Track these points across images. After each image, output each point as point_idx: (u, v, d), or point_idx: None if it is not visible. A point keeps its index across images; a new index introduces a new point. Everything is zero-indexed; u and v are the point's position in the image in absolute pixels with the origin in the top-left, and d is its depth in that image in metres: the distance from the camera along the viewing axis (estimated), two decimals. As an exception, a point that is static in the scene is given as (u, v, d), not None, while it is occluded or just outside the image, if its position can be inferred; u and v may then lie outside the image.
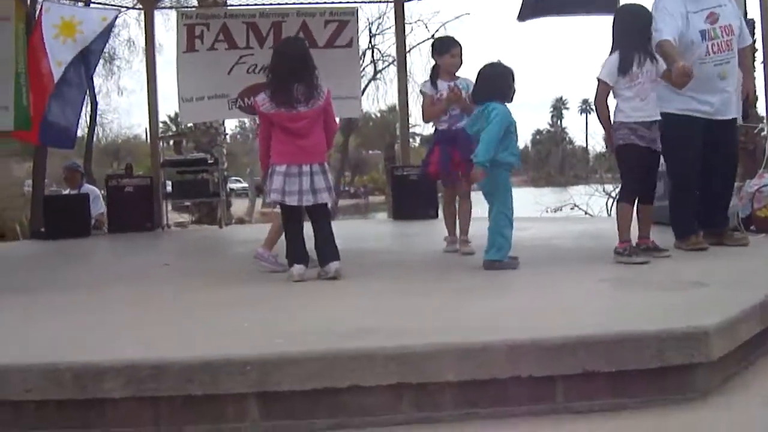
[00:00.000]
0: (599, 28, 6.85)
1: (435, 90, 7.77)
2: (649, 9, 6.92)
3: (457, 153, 7.49)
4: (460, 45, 8.00)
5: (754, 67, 8.68)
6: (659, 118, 6.70)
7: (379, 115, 58.62)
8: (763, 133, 8.40)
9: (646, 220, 6.91)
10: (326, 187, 6.28)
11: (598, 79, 6.67)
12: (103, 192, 14.67)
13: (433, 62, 8.05)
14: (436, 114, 7.66)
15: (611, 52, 6.70)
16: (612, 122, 6.71)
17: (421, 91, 8.18)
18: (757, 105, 8.41)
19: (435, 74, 7.90)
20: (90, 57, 12.41)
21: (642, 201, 6.87)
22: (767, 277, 5.47)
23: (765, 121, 8.24)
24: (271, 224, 7.21)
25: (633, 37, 6.66)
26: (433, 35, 32.08)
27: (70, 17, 12.50)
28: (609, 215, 14.78)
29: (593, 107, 6.86)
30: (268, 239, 7.05)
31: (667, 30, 6.96)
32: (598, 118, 6.79)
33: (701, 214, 7.48)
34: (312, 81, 6.25)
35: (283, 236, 6.71)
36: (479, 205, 7.52)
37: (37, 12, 13.09)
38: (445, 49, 7.89)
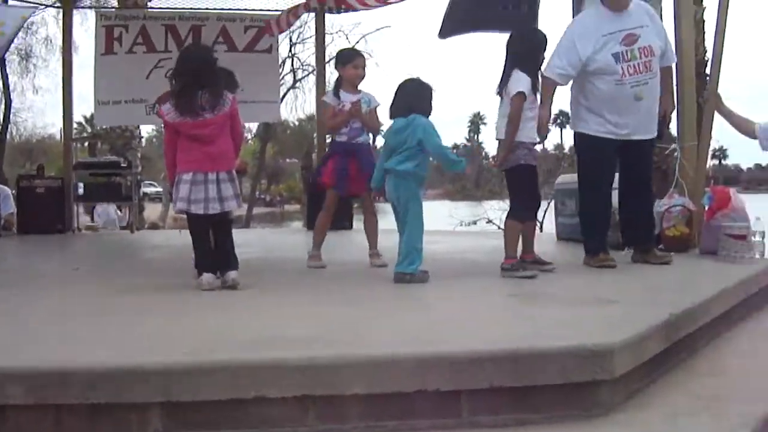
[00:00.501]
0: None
1: (338, 101, 7.73)
2: (546, 36, 7.12)
3: (355, 166, 7.52)
4: (363, 57, 8.04)
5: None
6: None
7: (297, 123, 58.52)
8: (675, 154, 8.53)
9: (531, 234, 7.08)
10: (234, 194, 6.20)
11: (519, 92, 6.73)
12: (13, 192, 14.45)
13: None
14: (338, 125, 7.63)
15: (510, 72, 6.81)
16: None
17: (323, 101, 8.16)
18: (670, 125, 8.52)
19: (338, 85, 7.87)
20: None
21: (528, 218, 7.09)
22: (673, 295, 5.57)
23: (676, 141, 8.36)
24: None
25: (534, 61, 6.90)
26: (353, 47, 32.16)
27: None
28: (541, 231, 14.93)
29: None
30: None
31: (558, 64, 7.18)
32: (510, 132, 6.77)
33: (625, 232, 7.67)
34: (217, 88, 6.17)
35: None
36: (384, 219, 7.57)
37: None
38: (348, 60, 7.87)
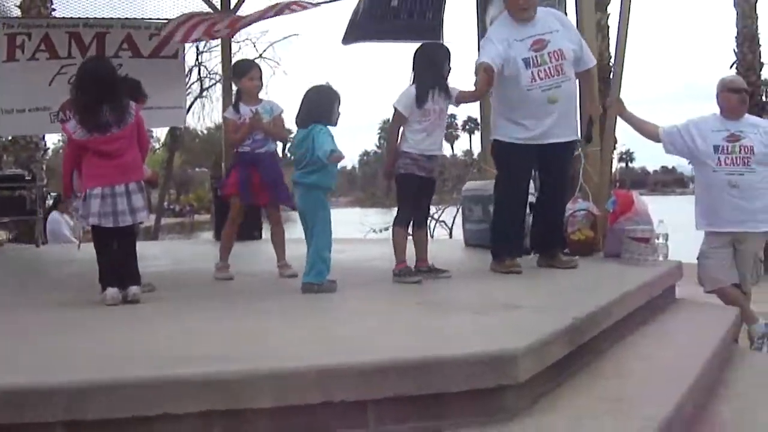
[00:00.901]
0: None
1: (238, 114, 7.68)
2: (446, 47, 7.24)
3: (258, 176, 7.48)
4: (258, 68, 8.00)
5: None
6: (441, 153, 7.15)
7: (205, 132, 58.04)
8: (580, 159, 8.63)
9: (422, 243, 7.17)
10: (143, 205, 6.14)
11: (395, 108, 6.87)
12: None
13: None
14: (239, 140, 7.57)
15: (410, 84, 6.92)
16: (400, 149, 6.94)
17: (223, 116, 8.12)
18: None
19: (238, 98, 7.84)
20: None
21: (417, 226, 7.24)
22: (576, 300, 5.64)
23: (579, 145, 8.47)
24: None
25: (430, 73, 6.91)
26: (260, 54, 31.98)
27: None
28: (432, 237, 14.95)
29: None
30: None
31: (485, 55, 7.19)
32: (387, 144, 7.05)
33: (536, 236, 7.76)
34: (120, 101, 6.11)
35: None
36: (294, 228, 7.55)
37: None
38: (244, 72, 7.83)
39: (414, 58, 7.03)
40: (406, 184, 6.93)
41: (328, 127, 6.43)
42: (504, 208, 7.65)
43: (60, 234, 15.54)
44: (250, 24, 11.37)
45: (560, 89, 7.33)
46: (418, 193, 7.02)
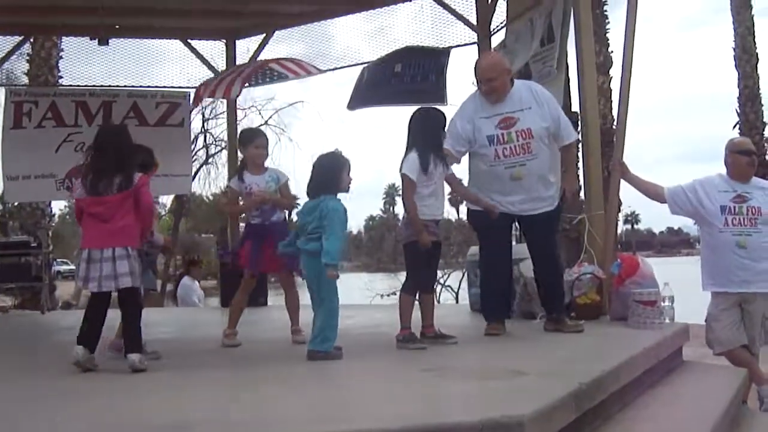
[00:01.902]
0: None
1: (242, 184, 7.72)
2: (443, 111, 7.22)
3: (270, 247, 7.43)
4: (264, 136, 8.08)
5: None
6: (443, 216, 7.17)
7: (211, 198, 58.20)
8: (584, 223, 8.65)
9: (429, 308, 7.16)
10: (128, 271, 6.08)
11: (405, 175, 6.87)
12: None
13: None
14: (240, 212, 7.60)
15: (407, 151, 6.92)
16: (403, 217, 7.05)
17: (227, 186, 8.14)
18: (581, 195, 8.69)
19: (242, 167, 7.88)
20: None
21: (424, 290, 7.25)
22: (583, 364, 5.61)
23: (583, 209, 8.50)
24: None
25: (429, 138, 6.95)
26: (266, 121, 32.25)
27: None
28: (438, 302, 14.93)
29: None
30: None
31: (447, 143, 7.32)
32: (407, 213, 6.93)
33: (541, 302, 7.81)
34: (127, 169, 6.20)
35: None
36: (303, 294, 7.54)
37: None
38: (249, 140, 7.89)
39: (411, 122, 7.06)
40: (417, 252, 6.90)
41: (338, 198, 6.45)
42: (484, 274, 7.91)
43: (189, 300, 15.49)
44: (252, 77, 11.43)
45: (525, 167, 7.41)
46: (428, 259, 7.02)
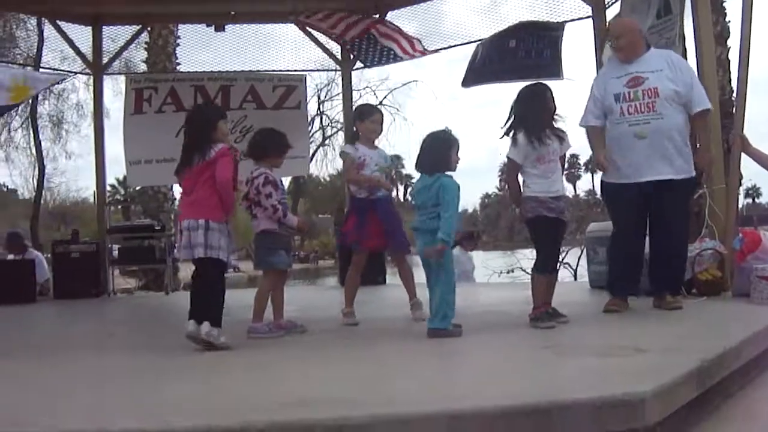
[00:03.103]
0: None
1: (357, 151, 7.82)
2: (549, 87, 7.16)
3: (375, 221, 7.60)
4: (380, 112, 8.19)
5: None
6: (563, 192, 7.02)
7: (328, 179, 58.81)
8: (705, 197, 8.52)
9: (550, 286, 7.05)
10: (201, 243, 6.21)
11: (508, 158, 6.94)
12: (47, 255, 14.60)
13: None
14: (358, 180, 7.68)
15: (516, 130, 6.91)
16: (522, 196, 6.95)
17: (342, 152, 8.22)
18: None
19: (354, 139, 8.03)
20: None
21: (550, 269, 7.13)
22: (703, 342, 5.53)
23: (704, 184, 8.37)
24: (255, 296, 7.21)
25: (537, 116, 6.90)
26: (380, 102, 32.41)
27: (22, 79, 12.61)
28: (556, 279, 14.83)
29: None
30: (255, 311, 7.06)
31: (590, 114, 7.57)
32: (510, 193, 7.05)
33: (650, 277, 7.69)
34: (202, 144, 6.39)
35: (270, 303, 7.04)
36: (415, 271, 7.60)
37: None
38: (366, 115, 8.01)
39: (518, 100, 7.03)
40: (538, 227, 6.89)
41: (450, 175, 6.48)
42: (612, 247, 7.87)
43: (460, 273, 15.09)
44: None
45: (649, 125, 7.34)
46: (554, 233, 6.97)
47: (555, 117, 6.99)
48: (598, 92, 7.61)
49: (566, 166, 7.21)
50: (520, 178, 6.96)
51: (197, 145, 6.39)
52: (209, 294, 6.34)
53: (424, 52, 12.99)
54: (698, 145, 7.80)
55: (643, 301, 7.61)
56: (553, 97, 7.04)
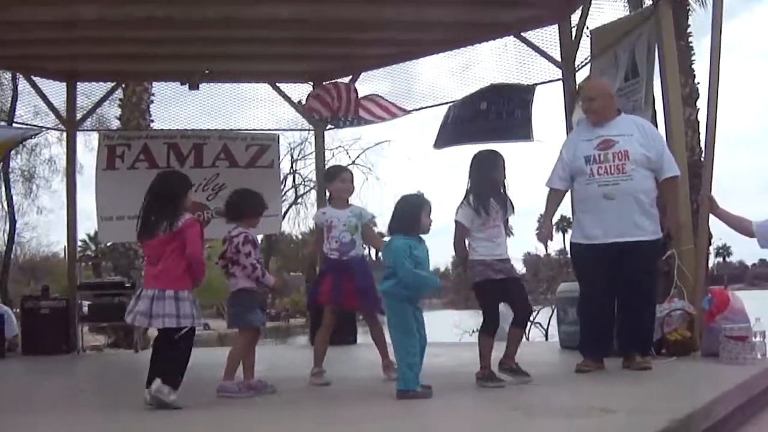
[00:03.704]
0: (519, 154, 7.11)
1: (324, 216, 7.84)
2: (501, 155, 7.29)
3: (349, 281, 7.59)
4: (350, 172, 8.22)
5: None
6: (508, 256, 7.11)
7: (300, 237, 58.70)
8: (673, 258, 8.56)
9: (515, 341, 7.16)
10: (165, 313, 6.17)
11: (456, 221, 7.06)
12: (16, 311, 14.50)
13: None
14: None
15: (466, 195, 7.06)
16: (469, 260, 7.06)
17: (314, 221, 8.29)
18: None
19: (328, 201, 8.08)
20: None
21: (515, 324, 7.22)
22: (671, 402, 5.55)
23: (673, 245, 8.43)
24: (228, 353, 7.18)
25: (485, 183, 7.07)
26: (353, 161, 32.56)
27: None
28: (527, 340, 14.84)
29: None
30: (227, 369, 7.01)
31: (555, 177, 7.76)
32: (457, 257, 7.21)
33: (618, 338, 7.73)
34: (170, 216, 6.36)
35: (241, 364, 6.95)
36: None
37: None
38: (334, 176, 8.05)
39: (470, 166, 7.18)
40: (484, 290, 7.00)
41: (409, 237, 6.47)
42: (581, 308, 7.93)
43: None
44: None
45: (618, 186, 7.43)
46: (501, 296, 7.05)
47: (502, 184, 7.15)
48: (567, 156, 7.71)
49: (512, 232, 7.23)
50: (467, 242, 7.09)
51: (165, 215, 6.38)
52: (170, 354, 6.32)
53: (395, 114, 13.09)
54: (668, 209, 7.88)
55: (613, 361, 7.63)
56: (503, 164, 7.20)
